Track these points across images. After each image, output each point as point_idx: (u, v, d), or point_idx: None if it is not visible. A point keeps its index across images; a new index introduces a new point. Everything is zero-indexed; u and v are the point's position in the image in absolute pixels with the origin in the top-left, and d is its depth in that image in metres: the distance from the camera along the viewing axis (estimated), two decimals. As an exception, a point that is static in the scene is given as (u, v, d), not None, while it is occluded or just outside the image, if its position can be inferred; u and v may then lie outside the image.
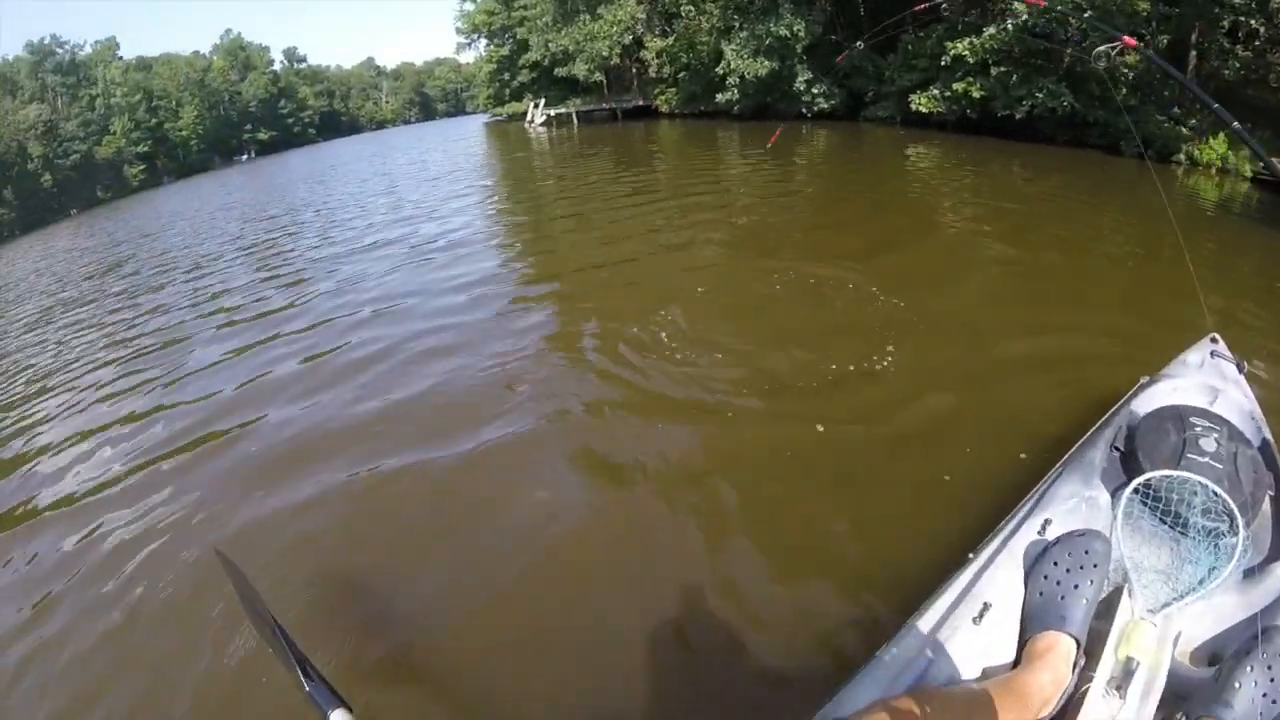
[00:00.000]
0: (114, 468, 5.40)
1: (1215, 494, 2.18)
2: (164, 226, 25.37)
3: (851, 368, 5.12)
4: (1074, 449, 2.77)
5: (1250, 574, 2.11)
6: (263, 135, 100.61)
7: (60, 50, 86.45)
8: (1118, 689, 1.77)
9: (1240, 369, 3.25)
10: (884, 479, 3.85)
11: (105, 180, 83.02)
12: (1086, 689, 1.76)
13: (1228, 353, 3.39)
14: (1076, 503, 2.33)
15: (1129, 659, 1.80)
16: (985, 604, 1.97)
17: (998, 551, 2.17)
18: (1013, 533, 2.23)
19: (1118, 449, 2.66)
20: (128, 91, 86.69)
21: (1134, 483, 2.28)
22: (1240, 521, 2.08)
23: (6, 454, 6.35)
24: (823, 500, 3.78)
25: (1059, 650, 1.84)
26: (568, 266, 9.51)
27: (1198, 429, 2.52)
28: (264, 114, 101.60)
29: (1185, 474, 2.27)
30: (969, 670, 1.84)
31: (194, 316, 10.02)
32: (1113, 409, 3.01)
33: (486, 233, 12.57)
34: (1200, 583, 1.99)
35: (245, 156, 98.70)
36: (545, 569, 3.50)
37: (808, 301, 6.75)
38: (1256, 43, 15.50)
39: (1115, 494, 2.36)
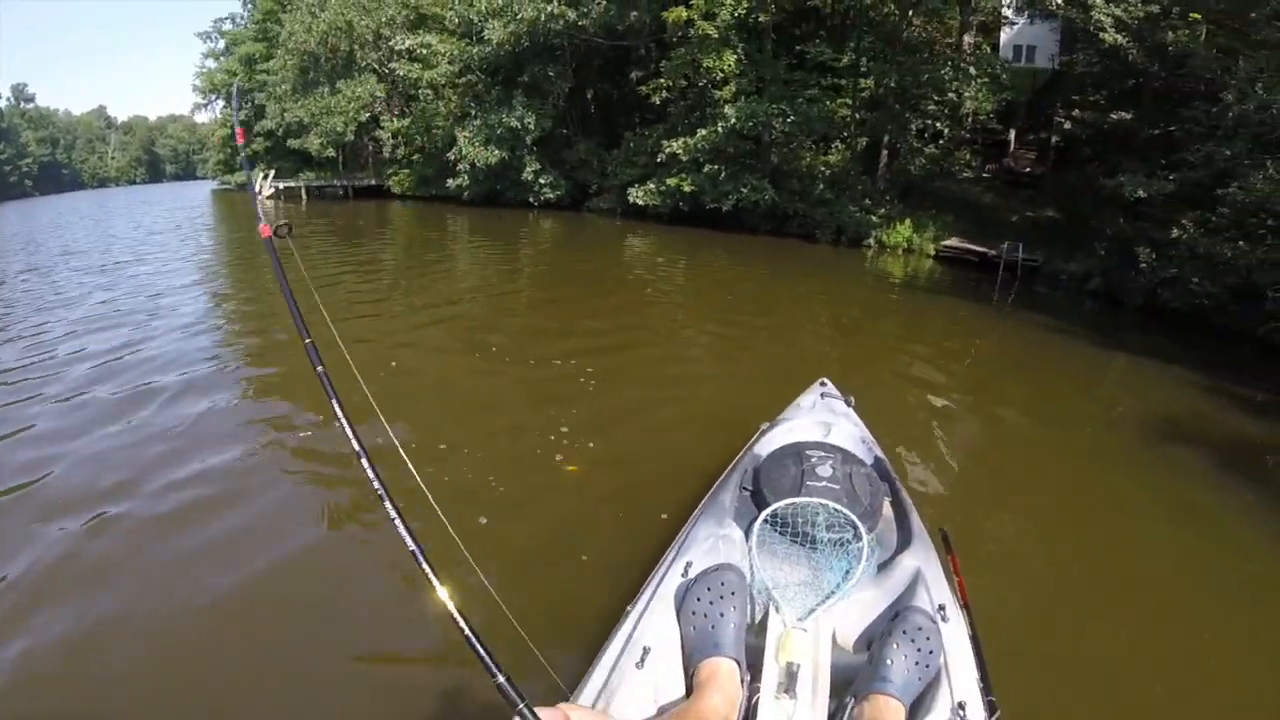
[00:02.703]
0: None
1: (836, 510, 2.50)
2: None
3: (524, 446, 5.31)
4: (708, 495, 2.99)
5: (884, 568, 2.39)
6: None
7: None
8: (786, 691, 1.92)
9: (849, 403, 3.76)
10: (546, 553, 3.95)
11: None
12: (757, 699, 1.91)
13: (836, 391, 3.91)
14: (713, 542, 2.46)
15: (789, 664, 1.97)
16: (645, 648, 2.02)
17: (650, 598, 2.26)
18: (661, 579, 2.35)
19: (746, 489, 2.94)
20: None
21: (762, 514, 2.55)
22: (863, 529, 2.41)
23: None
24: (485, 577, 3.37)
25: (721, 673, 1.92)
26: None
27: (814, 459, 2.82)
28: None
29: (806, 499, 2.58)
30: (644, 712, 1.89)
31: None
32: (739, 455, 3.30)
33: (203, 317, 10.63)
34: (838, 586, 2.26)
35: None
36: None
37: (497, 381, 6.98)
38: (940, 141, 17.18)
39: (748, 528, 2.54)
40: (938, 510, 4.08)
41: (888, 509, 2.76)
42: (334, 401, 1.84)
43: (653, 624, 2.12)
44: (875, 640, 2.02)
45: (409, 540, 1.51)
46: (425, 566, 1.48)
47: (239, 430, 5.66)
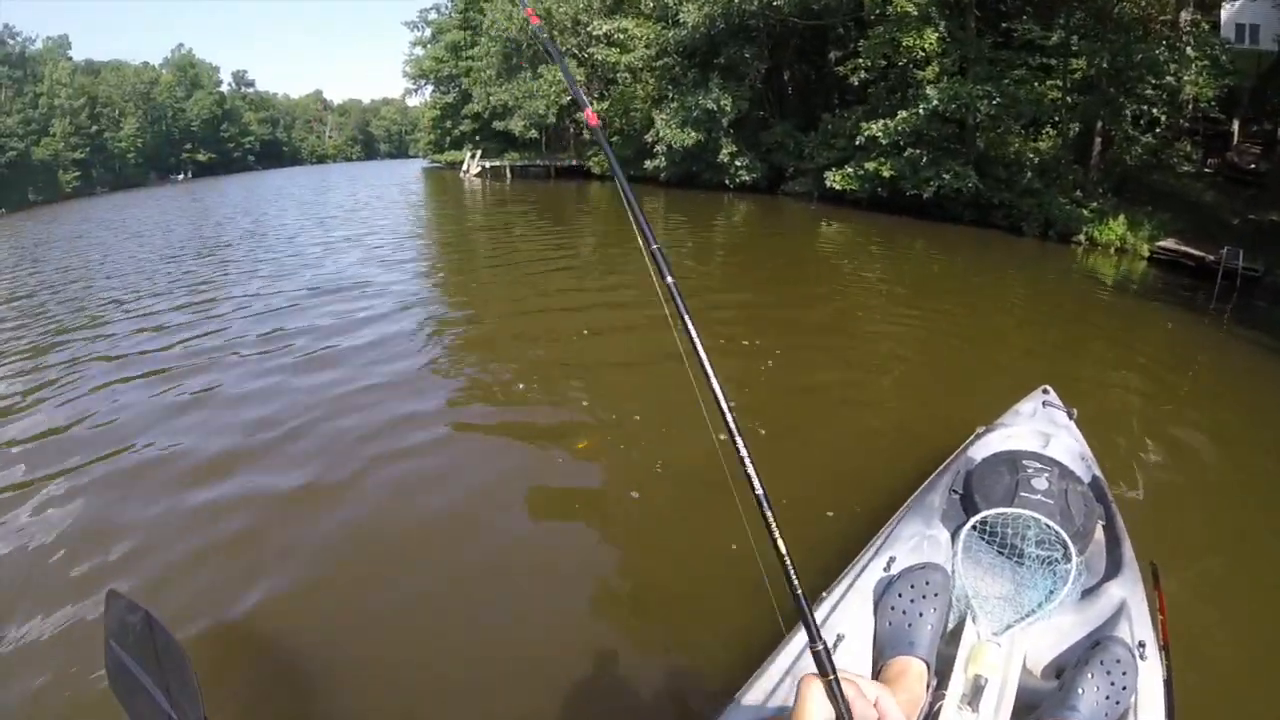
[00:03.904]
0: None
1: (1048, 526, 2.42)
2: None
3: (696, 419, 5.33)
4: (915, 494, 2.99)
5: (1088, 594, 2.31)
6: (202, 156, 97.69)
7: (11, 41, 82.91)
8: (970, 704, 1.92)
9: (1070, 415, 3.59)
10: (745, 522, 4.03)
11: (39, 182, 79.24)
12: (940, 706, 1.91)
13: (1059, 402, 3.75)
14: (918, 541, 2.51)
15: (977, 677, 1.96)
16: (839, 635, 2.10)
17: (848, 589, 2.32)
18: (861, 571, 2.39)
19: (956, 492, 2.89)
20: (72, 94, 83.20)
21: (971, 520, 2.53)
22: (1073, 549, 2.34)
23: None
24: (690, 538, 4.05)
25: (911, 673, 1.95)
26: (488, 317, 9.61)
27: (1030, 470, 2.74)
28: (205, 135, 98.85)
29: (1018, 510, 2.50)
30: None
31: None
32: (952, 456, 3.28)
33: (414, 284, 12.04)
34: (1039, 605, 2.20)
35: (182, 176, 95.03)
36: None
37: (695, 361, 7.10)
38: (1157, 130, 16.29)
39: (955, 532, 2.56)
40: (1148, 540, 3.49)
41: (1099, 532, 2.68)
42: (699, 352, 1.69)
43: (848, 613, 2.20)
44: (1069, 667, 2.01)
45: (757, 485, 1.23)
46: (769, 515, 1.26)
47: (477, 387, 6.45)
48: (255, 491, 4.68)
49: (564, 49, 36.32)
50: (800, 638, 2.03)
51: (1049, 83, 17.59)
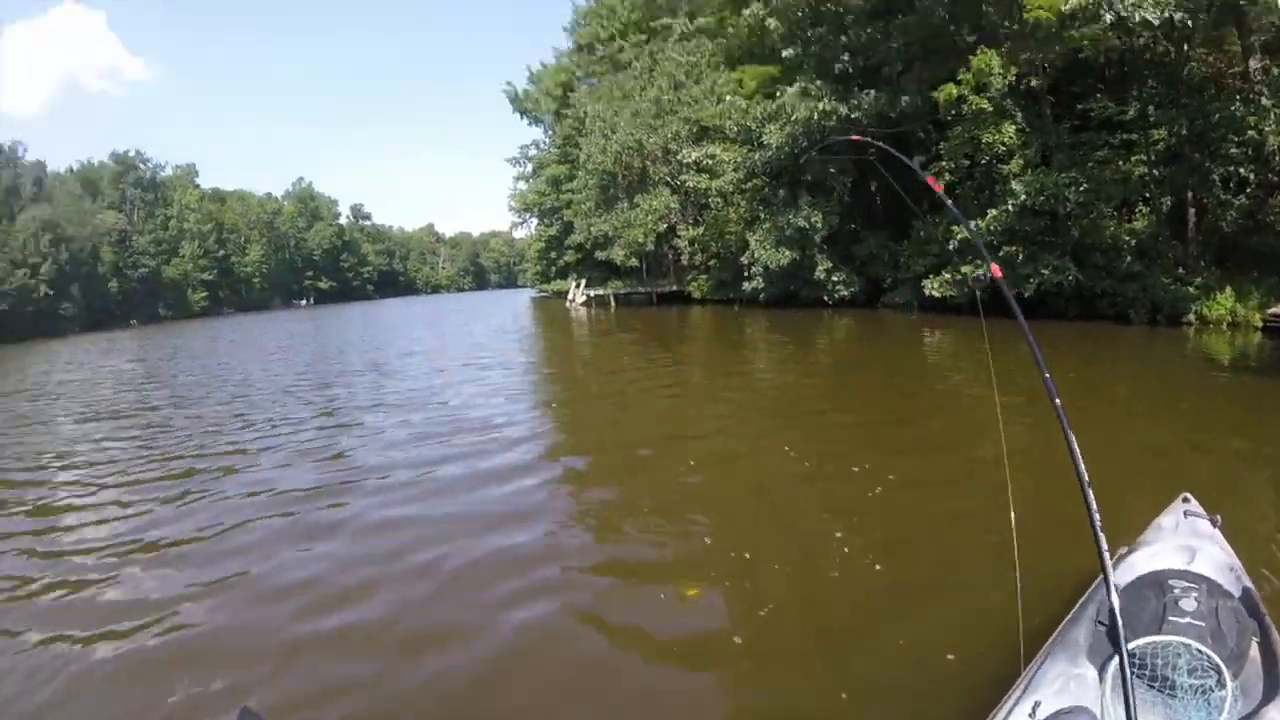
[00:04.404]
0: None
1: (1200, 652, 2.29)
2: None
3: (846, 549, 5.28)
4: (1059, 628, 2.81)
5: None
6: (323, 284, 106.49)
7: (143, 166, 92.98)
8: None
9: (1214, 524, 3.30)
10: (879, 654, 4.00)
11: (168, 299, 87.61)
12: None
13: (1200, 510, 3.44)
14: (1064, 682, 2.37)
15: None
16: None
17: None
18: (1005, 717, 2.29)
19: (1101, 623, 2.68)
20: (201, 219, 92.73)
21: (1118, 654, 2.29)
22: (1227, 674, 2.20)
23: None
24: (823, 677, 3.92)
25: None
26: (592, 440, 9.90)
27: (1176, 591, 2.61)
28: (326, 263, 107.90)
29: (1168, 638, 2.37)
30: None
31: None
32: (1094, 584, 3.04)
33: (524, 403, 12.75)
34: None
35: (304, 301, 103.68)
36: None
37: (815, 486, 6.92)
38: (1249, 190, 15.95)
39: (1102, 668, 2.43)
40: None
41: (1254, 651, 2.49)
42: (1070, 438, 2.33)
43: None
44: None
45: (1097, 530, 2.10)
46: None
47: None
48: (377, 625, 4.73)
49: (656, 178, 38.20)
50: None
51: (1133, 159, 17.35)
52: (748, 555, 5.31)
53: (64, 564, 6.04)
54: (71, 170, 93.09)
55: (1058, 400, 1.67)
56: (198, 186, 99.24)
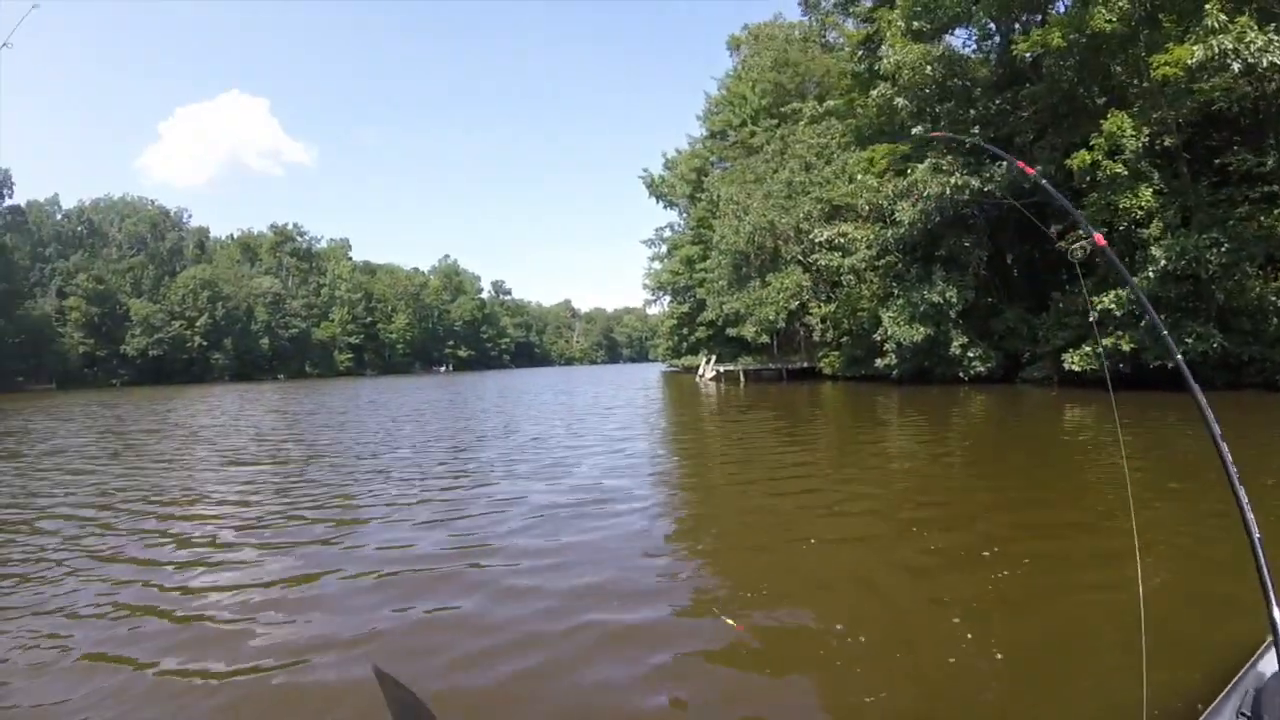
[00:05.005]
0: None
1: None
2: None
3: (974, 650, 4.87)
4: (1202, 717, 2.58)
5: None
6: (462, 353, 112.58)
7: (299, 239, 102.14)
8: None
9: None
10: None
11: (315, 357, 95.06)
12: None
13: None
14: None
15: None
16: None
17: None
18: None
19: (1245, 715, 2.44)
20: (351, 288, 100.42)
21: None
22: None
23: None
24: None
25: None
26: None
27: None
28: (466, 334, 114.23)
29: None
30: None
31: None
32: (1239, 674, 2.76)
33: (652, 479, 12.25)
34: None
35: (444, 368, 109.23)
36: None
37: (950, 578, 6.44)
38: None
39: None
40: None
41: None
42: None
43: None
44: None
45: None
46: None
47: None
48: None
49: (788, 257, 38.78)
50: None
51: (1276, 212, 16.69)
52: (863, 639, 5.02)
53: (196, 600, 5.96)
54: (232, 238, 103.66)
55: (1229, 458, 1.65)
56: (350, 259, 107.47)
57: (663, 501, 10.63)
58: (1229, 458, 1.72)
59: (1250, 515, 1.96)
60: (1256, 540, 1.89)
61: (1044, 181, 3.72)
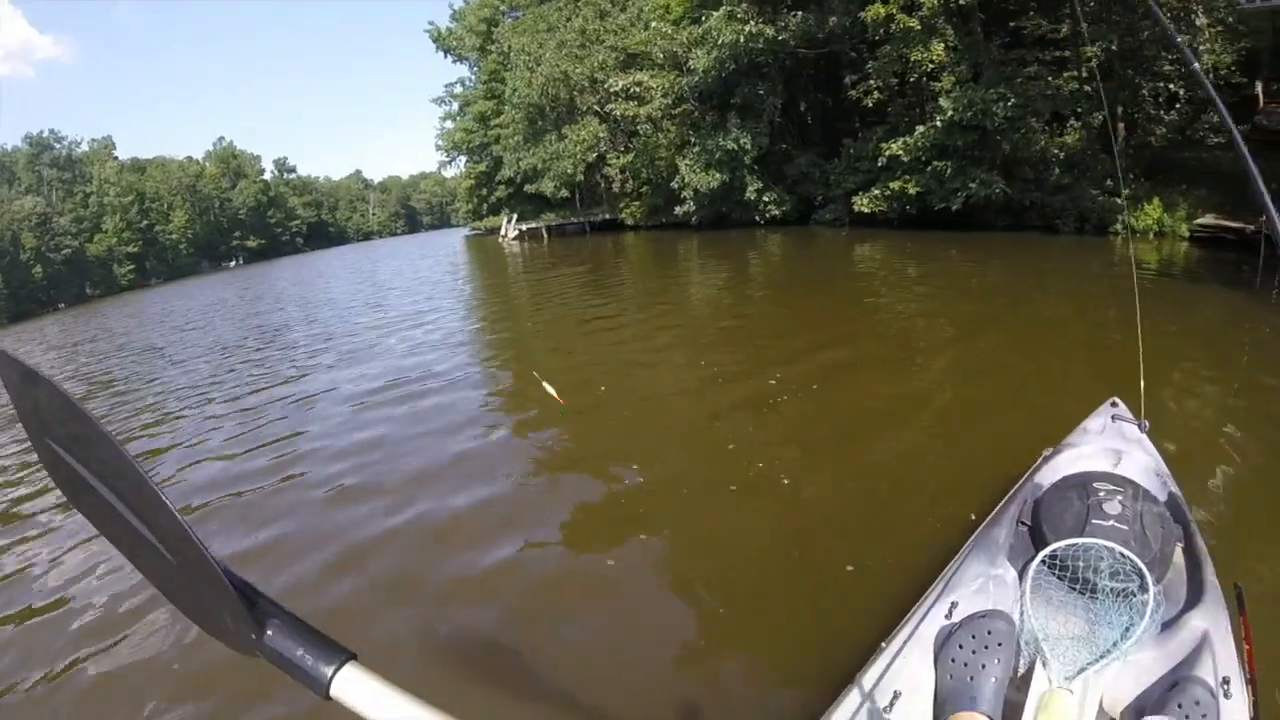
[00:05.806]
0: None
1: (1122, 555, 2.25)
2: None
3: (761, 464, 5.37)
4: (980, 528, 2.80)
5: (1168, 627, 2.14)
6: (251, 243, 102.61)
7: (58, 145, 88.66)
8: None
9: (1142, 428, 3.30)
10: (797, 572, 4.01)
11: (95, 277, 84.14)
12: None
13: (1128, 414, 3.45)
14: (983, 582, 2.35)
15: None
16: (895, 692, 2.00)
17: (907, 639, 2.20)
18: (921, 619, 2.26)
19: (1024, 524, 2.70)
20: (121, 191, 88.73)
21: (1039, 556, 2.35)
22: (1150, 579, 2.17)
23: None
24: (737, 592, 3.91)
25: None
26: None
27: (1101, 494, 2.56)
28: (253, 221, 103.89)
29: (1090, 540, 2.33)
30: None
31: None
32: (1017, 485, 3.06)
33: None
34: (1115, 644, 2.04)
35: (234, 262, 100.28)
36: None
37: (749, 412, 6.75)
38: (1178, 105, 15.91)
39: (1023, 569, 2.39)
40: (1230, 559, 3.16)
41: (1179, 556, 2.47)
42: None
43: (907, 667, 2.09)
44: (1146, 711, 1.87)
45: None
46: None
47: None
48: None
49: (584, 108, 37.27)
50: (852, 699, 2.06)
51: (1066, 75, 17.29)
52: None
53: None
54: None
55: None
56: (116, 158, 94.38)
57: (472, 372, 10.14)
58: None
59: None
60: None
61: (1195, 65, 2.92)
